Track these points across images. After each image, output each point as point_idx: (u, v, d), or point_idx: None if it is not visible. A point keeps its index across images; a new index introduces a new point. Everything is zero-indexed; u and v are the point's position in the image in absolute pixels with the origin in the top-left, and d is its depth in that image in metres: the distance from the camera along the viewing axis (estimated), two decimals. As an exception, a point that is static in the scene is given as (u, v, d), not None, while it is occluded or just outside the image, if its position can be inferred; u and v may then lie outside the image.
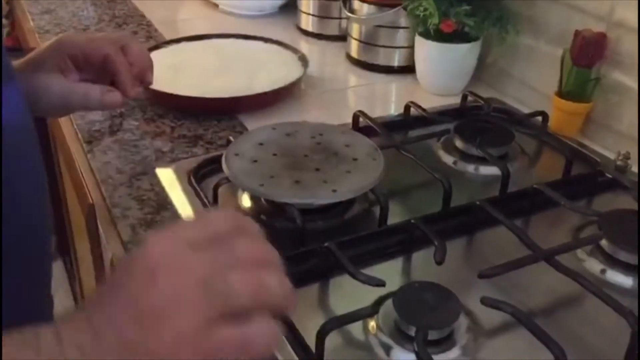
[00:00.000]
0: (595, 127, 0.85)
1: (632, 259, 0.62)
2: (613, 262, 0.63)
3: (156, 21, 1.26)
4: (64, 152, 1.01)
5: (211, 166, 0.75)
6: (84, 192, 0.84)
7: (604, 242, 0.64)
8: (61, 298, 1.80)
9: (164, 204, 0.70)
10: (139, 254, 0.35)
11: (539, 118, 0.85)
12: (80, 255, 1.26)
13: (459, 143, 0.81)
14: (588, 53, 0.81)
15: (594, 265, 0.63)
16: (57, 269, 1.92)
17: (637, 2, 0.77)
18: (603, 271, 0.62)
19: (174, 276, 0.34)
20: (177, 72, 0.95)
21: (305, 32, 1.24)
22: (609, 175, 0.75)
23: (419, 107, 0.86)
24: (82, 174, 0.85)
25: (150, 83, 0.70)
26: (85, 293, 1.36)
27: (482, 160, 0.78)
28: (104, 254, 0.86)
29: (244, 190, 0.70)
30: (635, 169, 0.77)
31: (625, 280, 0.61)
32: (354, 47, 1.09)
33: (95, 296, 0.36)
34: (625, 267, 0.62)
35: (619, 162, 0.77)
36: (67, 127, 0.91)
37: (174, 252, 0.35)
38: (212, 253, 0.35)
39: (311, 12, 1.21)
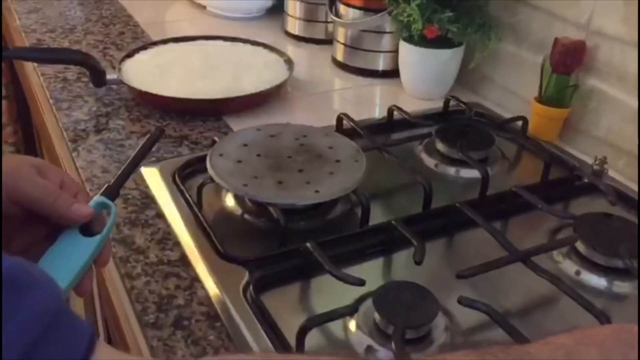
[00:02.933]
0: (573, 132, 0.87)
1: (605, 261, 0.63)
2: (588, 264, 0.64)
3: (143, 22, 1.27)
4: (49, 151, 1.01)
5: (196, 166, 0.76)
6: (68, 191, 0.84)
7: (579, 245, 0.65)
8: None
9: (148, 202, 0.71)
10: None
11: (519, 123, 0.87)
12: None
13: (440, 146, 0.83)
14: (567, 60, 0.83)
15: (569, 267, 0.65)
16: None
17: (615, 12, 0.79)
18: (578, 272, 0.64)
19: None
20: (164, 72, 0.96)
21: (292, 35, 1.25)
22: (586, 180, 0.77)
23: (402, 110, 0.87)
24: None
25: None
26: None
27: (463, 163, 0.79)
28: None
29: (227, 190, 0.70)
30: (611, 173, 0.79)
31: (599, 282, 0.63)
32: (339, 51, 1.11)
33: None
34: (599, 269, 0.64)
35: (595, 167, 0.78)
36: (53, 126, 0.91)
37: None
38: None
39: (297, 15, 1.22)
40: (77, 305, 1.01)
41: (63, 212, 0.51)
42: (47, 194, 0.51)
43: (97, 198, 0.54)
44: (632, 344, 0.41)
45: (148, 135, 0.60)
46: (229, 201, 0.72)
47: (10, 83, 1.63)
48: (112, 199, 0.54)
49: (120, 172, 0.57)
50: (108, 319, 0.74)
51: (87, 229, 0.52)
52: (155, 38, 1.15)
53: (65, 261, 0.51)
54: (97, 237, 0.52)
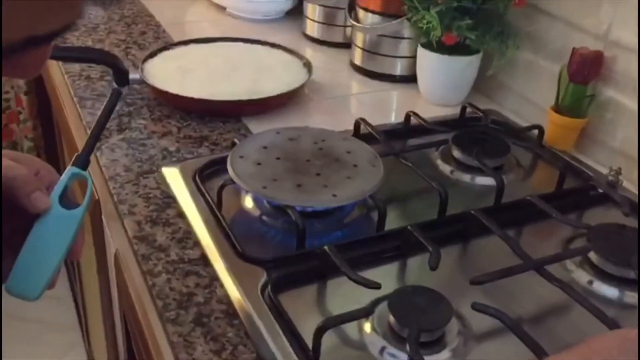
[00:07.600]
0: (589, 142, 0.88)
1: (618, 271, 0.64)
2: (600, 274, 0.65)
3: (165, 22, 1.29)
4: (71, 148, 1.03)
5: (216, 167, 0.78)
6: (90, 188, 0.86)
7: (592, 255, 0.66)
8: (59, 290, 1.82)
9: (169, 202, 0.72)
10: None
11: (535, 131, 0.88)
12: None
13: (456, 153, 0.84)
14: (584, 70, 0.84)
15: (581, 276, 0.65)
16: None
17: (634, 24, 0.80)
18: (590, 282, 0.65)
19: None
20: (185, 73, 0.97)
21: (311, 38, 1.26)
22: (600, 190, 0.78)
23: (419, 116, 0.89)
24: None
25: None
26: (84, 285, 1.38)
27: (478, 171, 0.80)
28: (107, 248, 0.88)
29: (247, 191, 0.72)
30: (626, 184, 0.80)
31: (611, 292, 0.64)
32: (357, 55, 1.12)
33: None
34: (611, 279, 0.64)
35: (610, 178, 0.79)
36: (76, 123, 0.93)
37: None
38: None
39: (316, 18, 1.23)
40: (94, 300, 1.03)
41: (24, 199, 0.50)
42: (16, 178, 0.50)
43: (70, 169, 0.53)
44: (635, 351, 0.42)
45: (107, 99, 0.59)
46: (248, 202, 0.73)
47: (31, 79, 1.65)
48: (84, 168, 0.54)
49: (87, 140, 0.55)
50: (127, 314, 0.76)
51: (65, 202, 0.52)
52: (176, 38, 1.17)
53: (54, 237, 0.51)
54: (80, 209, 0.52)
